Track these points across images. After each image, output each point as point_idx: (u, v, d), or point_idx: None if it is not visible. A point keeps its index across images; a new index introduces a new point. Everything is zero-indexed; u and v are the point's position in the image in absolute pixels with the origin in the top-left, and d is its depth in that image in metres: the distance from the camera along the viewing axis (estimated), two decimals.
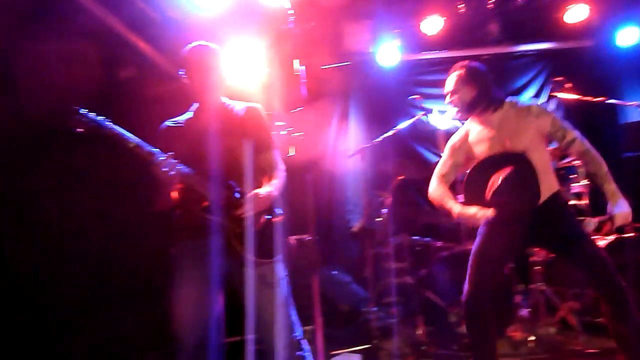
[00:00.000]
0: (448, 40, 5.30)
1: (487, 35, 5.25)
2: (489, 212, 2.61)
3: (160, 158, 2.31)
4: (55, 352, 2.90)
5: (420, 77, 5.61)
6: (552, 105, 5.37)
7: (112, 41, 3.63)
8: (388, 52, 5.12)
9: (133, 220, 3.64)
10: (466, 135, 2.96)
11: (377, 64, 5.26)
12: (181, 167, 2.34)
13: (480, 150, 2.85)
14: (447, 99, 2.95)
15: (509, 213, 2.61)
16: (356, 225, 5.36)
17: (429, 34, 5.00)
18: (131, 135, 2.30)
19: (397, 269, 4.55)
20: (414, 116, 4.59)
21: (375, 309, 4.29)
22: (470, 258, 2.78)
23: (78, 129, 2.24)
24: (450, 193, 2.89)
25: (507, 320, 3.57)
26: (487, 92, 2.86)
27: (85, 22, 3.28)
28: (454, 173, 2.98)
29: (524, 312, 3.76)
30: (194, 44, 2.56)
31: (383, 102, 5.53)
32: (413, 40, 5.30)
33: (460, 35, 5.29)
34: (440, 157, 3.07)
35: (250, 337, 2.27)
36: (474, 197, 2.74)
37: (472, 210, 2.66)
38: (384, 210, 4.60)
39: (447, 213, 2.87)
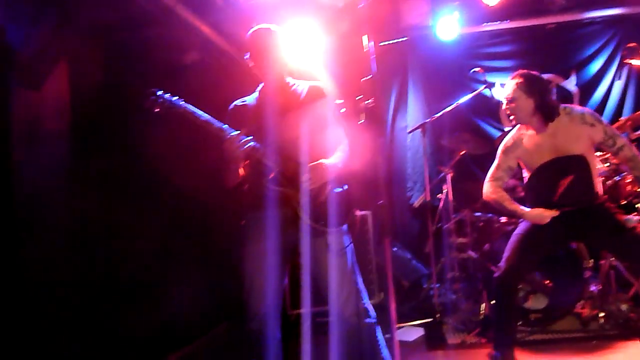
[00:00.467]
0: (510, 10, 5.14)
1: (552, 3, 5.06)
2: (555, 213, 2.90)
3: (231, 134, 2.42)
4: (139, 307, 3.09)
5: (482, 50, 5.50)
6: (623, 74, 5.14)
7: (180, 27, 3.80)
8: (447, 25, 4.98)
9: (205, 195, 3.83)
10: (520, 141, 3.11)
11: (435, 38, 5.14)
12: (250, 142, 2.44)
13: (536, 156, 3.03)
14: (504, 105, 3.09)
15: (567, 213, 2.89)
16: (417, 201, 5.37)
17: (490, 4, 4.87)
18: (202, 112, 2.42)
19: (459, 244, 4.58)
20: (475, 90, 4.58)
21: (437, 285, 4.31)
22: (512, 239, 2.99)
23: (155, 109, 2.38)
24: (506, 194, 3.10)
25: (576, 296, 3.57)
26: (545, 103, 2.97)
27: (154, 10, 3.46)
28: (507, 177, 3.15)
29: (594, 288, 3.72)
30: (256, 27, 2.64)
31: (442, 76, 5.46)
32: (473, 12, 5.15)
33: (523, 5, 5.14)
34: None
35: (314, 308, 2.38)
36: (538, 198, 3.02)
37: (538, 211, 2.94)
38: (445, 186, 4.59)
39: (509, 214, 3.09)
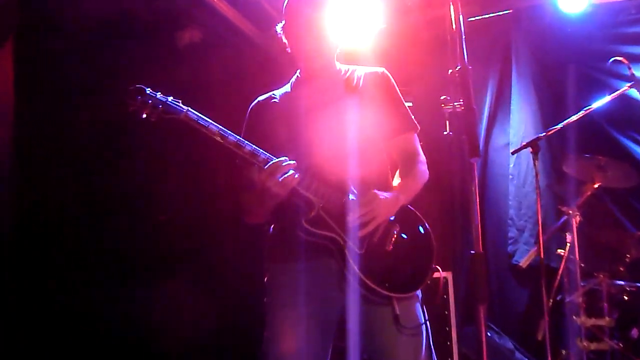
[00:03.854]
0: None
1: None
2: None
3: (270, 161, 2.49)
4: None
5: (625, 30, 5.43)
6: None
7: None
8: None
9: (218, 235, 4.30)
10: None
11: (555, 9, 5.21)
12: (295, 173, 2.51)
13: None
14: None
15: None
16: (524, 259, 5.13)
17: None
18: (221, 127, 2.52)
19: (591, 328, 4.49)
20: (616, 89, 4.51)
21: None
22: None
23: (143, 115, 2.45)
24: None
25: None
26: None
27: None
28: None
29: None
30: None
31: (564, 68, 5.41)
32: None
33: None
34: None
35: None
36: None
37: None
38: (569, 237, 4.58)
39: None
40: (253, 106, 2.90)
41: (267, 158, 2.52)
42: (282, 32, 2.85)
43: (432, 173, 2.91)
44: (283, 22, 2.84)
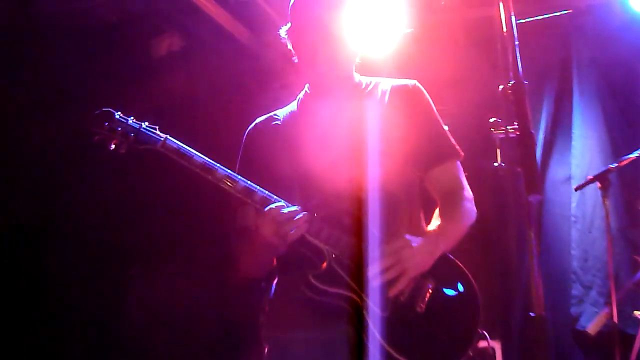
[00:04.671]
0: None
1: None
2: None
3: (273, 203, 2.41)
4: None
5: None
6: None
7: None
8: None
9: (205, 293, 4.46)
10: None
11: (625, 9, 5.05)
12: (301, 219, 2.42)
13: None
14: None
15: None
16: (592, 325, 4.81)
17: None
18: (207, 159, 2.45)
19: None
20: None
21: None
22: None
23: (112, 146, 2.41)
24: None
25: None
26: None
27: None
28: None
29: None
30: None
31: (638, 82, 5.30)
32: None
33: None
34: None
35: None
36: None
37: None
38: None
39: None
40: (250, 130, 2.80)
41: (266, 197, 2.44)
42: (287, 36, 2.74)
43: (479, 214, 2.78)
44: (289, 24, 2.74)
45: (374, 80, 2.83)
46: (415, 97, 2.76)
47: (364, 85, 2.81)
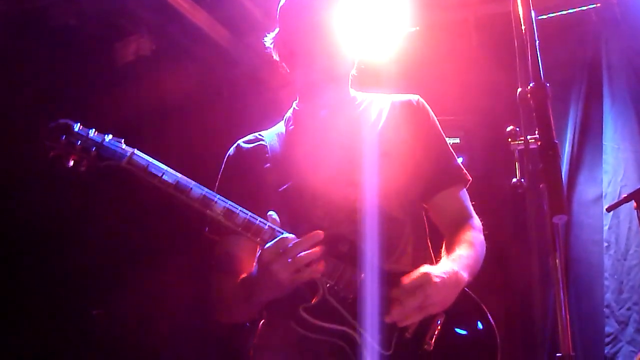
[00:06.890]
0: None
1: None
2: None
3: (277, 237, 2.32)
4: None
5: None
6: None
7: None
8: None
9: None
10: None
11: None
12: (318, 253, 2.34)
13: None
14: None
15: None
16: None
17: None
18: (182, 176, 2.37)
19: None
20: None
21: None
22: None
23: (73, 163, 2.33)
24: None
25: None
26: None
27: None
28: None
29: None
30: None
31: None
32: None
33: None
34: None
35: None
36: None
37: None
38: None
39: None
40: (232, 153, 2.76)
41: (269, 229, 2.35)
42: (273, 44, 2.73)
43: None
44: (277, 29, 2.73)
45: (370, 96, 2.81)
46: (418, 113, 2.74)
47: (358, 101, 2.79)
